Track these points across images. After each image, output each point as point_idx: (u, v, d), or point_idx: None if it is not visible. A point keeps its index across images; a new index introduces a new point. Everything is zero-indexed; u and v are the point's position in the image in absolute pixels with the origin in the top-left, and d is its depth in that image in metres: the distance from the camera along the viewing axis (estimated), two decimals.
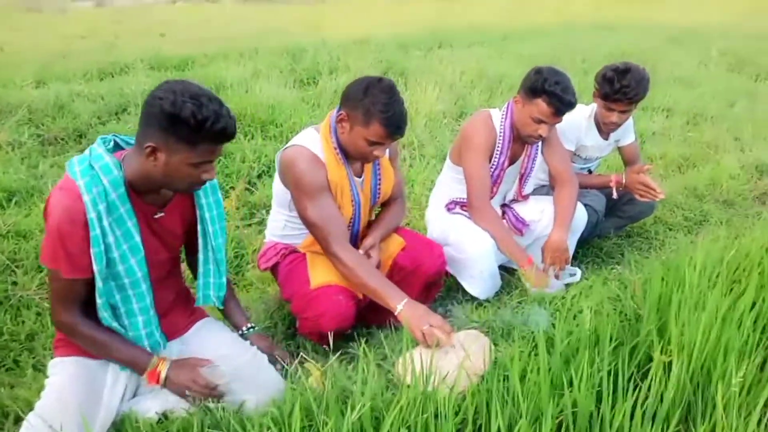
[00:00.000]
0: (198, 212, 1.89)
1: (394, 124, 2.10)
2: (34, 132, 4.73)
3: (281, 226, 2.45)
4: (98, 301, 1.71)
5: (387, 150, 2.28)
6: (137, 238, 1.72)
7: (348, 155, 2.26)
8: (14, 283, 2.77)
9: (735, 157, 4.64)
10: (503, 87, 6.44)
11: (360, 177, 2.37)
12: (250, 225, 3.46)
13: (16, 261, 2.93)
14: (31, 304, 2.64)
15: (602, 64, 8.01)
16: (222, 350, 1.96)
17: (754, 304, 2.30)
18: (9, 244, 3.02)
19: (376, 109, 2.07)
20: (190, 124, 1.54)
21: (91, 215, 1.60)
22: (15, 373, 2.30)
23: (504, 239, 2.64)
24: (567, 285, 2.87)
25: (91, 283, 1.69)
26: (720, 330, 2.05)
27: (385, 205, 2.56)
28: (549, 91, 2.45)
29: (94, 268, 1.65)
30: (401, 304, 2.07)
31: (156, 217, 1.80)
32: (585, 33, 10.94)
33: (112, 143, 1.75)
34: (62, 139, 4.78)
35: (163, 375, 1.76)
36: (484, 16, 13.38)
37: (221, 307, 2.09)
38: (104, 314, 1.73)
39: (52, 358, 1.86)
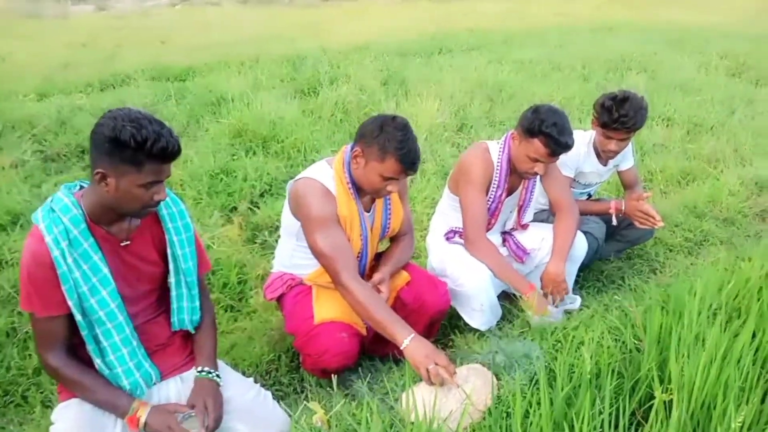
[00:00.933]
0: (166, 236, 1.93)
1: (409, 160, 2.16)
2: (36, 148, 4.75)
3: (289, 255, 2.48)
4: (82, 334, 1.77)
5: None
6: (105, 270, 1.77)
7: (359, 190, 2.31)
8: (20, 314, 2.79)
9: (735, 171, 4.65)
10: (503, 96, 6.45)
11: (368, 211, 2.41)
12: (253, 248, 3.47)
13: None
14: None
15: (602, 69, 8.08)
16: (225, 390, 1.98)
17: (753, 334, 2.32)
18: (13, 273, 3.04)
19: (391, 145, 2.13)
20: (130, 145, 1.60)
21: (55, 254, 1.68)
22: (24, 409, 2.33)
23: (502, 270, 2.66)
24: (567, 312, 2.91)
25: (70, 321, 1.76)
26: (720, 367, 2.07)
27: (394, 240, 2.60)
28: (546, 132, 2.46)
29: (69, 303, 1.72)
30: (408, 340, 2.08)
31: (123, 245, 1.84)
32: (584, 36, 10.94)
33: (77, 187, 1.83)
34: (65, 156, 4.80)
35: (142, 420, 1.78)
36: (482, 20, 13.36)
37: (193, 331, 2.08)
38: (91, 348, 1.79)
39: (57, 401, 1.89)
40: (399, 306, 2.46)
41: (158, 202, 1.76)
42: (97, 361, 1.81)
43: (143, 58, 7.42)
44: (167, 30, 10.47)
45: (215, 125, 5.13)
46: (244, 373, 2.41)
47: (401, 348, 2.09)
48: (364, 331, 2.36)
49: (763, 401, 2.09)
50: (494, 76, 7.05)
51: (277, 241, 3.58)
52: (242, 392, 2.03)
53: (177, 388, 1.98)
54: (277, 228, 3.71)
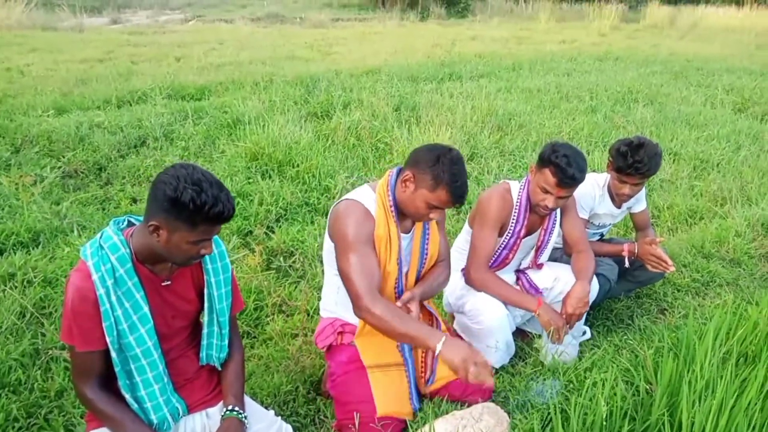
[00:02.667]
0: (205, 276, 1.99)
1: (459, 193, 2.22)
2: (55, 165, 4.83)
3: (335, 291, 2.46)
4: (115, 370, 1.83)
5: None
6: (145, 309, 1.84)
7: (399, 213, 2.35)
8: (43, 335, 2.85)
9: (741, 211, 4.71)
10: (513, 126, 6.54)
11: (407, 233, 2.44)
12: (269, 274, 3.53)
13: (43, 310, 3.02)
14: (59, 358, 2.71)
15: (609, 101, 8.18)
16: (249, 426, 2.01)
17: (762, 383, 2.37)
18: (35, 292, 3.10)
19: (445, 177, 2.19)
20: (189, 207, 1.67)
21: (100, 292, 1.74)
22: None
23: (509, 296, 2.74)
24: (579, 344, 2.97)
25: (107, 356, 1.82)
26: (729, 416, 2.13)
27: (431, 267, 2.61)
28: (555, 162, 2.56)
29: (107, 339, 1.78)
30: (440, 343, 2.05)
31: (164, 285, 1.91)
32: (591, 65, 11.07)
33: (125, 222, 1.91)
34: (83, 172, 4.89)
35: None
36: (490, 45, 13.53)
37: (220, 368, 2.13)
38: (121, 383, 1.85)
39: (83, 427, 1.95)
40: (444, 393, 2.47)
41: (203, 256, 1.83)
42: (127, 396, 1.87)
43: (159, 76, 7.54)
44: (181, 47, 10.61)
45: (232, 147, 5.21)
46: (262, 403, 2.47)
47: (436, 353, 2.06)
48: (411, 417, 2.38)
49: None
50: (504, 105, 7.14)
51: (291, 267, 3.68)
52: (265, 427, 2.07)
53: (203, 423, 2.04)
54: (292, 254, 3.79)
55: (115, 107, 6.34)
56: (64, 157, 4.98)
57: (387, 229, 2.32)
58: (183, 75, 7.87)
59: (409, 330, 2.12)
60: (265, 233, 4.02)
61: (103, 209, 4.34)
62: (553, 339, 2.67)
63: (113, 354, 1.80)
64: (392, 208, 2.33)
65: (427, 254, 2.52)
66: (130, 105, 6.46)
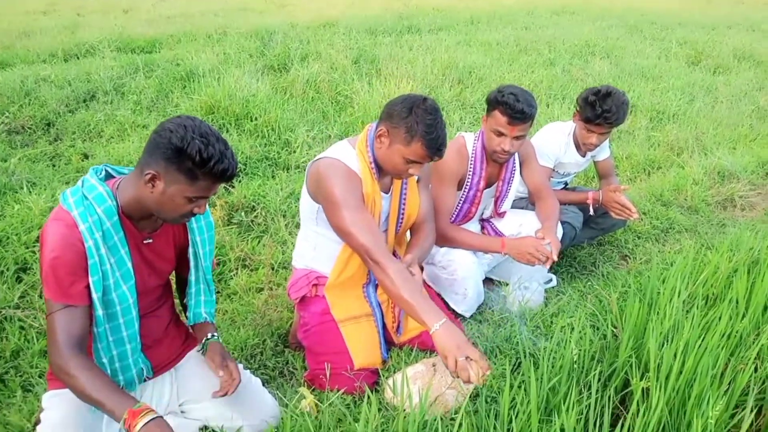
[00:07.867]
0: (190, 235, 1.92)
1: (436, 145, 2.08)
2: (0, 120, 4.60)
3: (311, 246, 2.39)
4: (96, 330, 1.72)
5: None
6: (129, 265, 1.74)
7: (380, 170, 2.25)
8: None
9: (697, 160, 4.80)
10: (473, 79, 6.49)
11: (387, 193, 2.35)
12: (230, 228, 3.45)
13: None
14: (13, 318, 2.60)
15: (567, 54, 8.16)
16: (215, 379, 1.96)
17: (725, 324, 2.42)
18: None
19: (419, 128, 2.05)
20: (194, 159, 1.58)
21: (89, 243, 1.62)
22: (3, 393, 2.28)
23: (473, 243, 2.72)
24: (545, 291, 3.00)
25: (85, 317, 1.67)
26: (695, 356, 2.17)
27: (414, 230, 2.54)
28: (502, 101, 2.51)
29: (93, 296, 1.66)
30: (438, 324, 1.90)
31: (146, 242, 1.82)
32: (548, 19, 11.04)
33: (103, 173, 1.78)
34: (30, 128, 4.68)
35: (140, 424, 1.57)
36: None
37: (212, 321, 2.08)
38: (101, 344, 1.75)
39: (45, 390, 1.85)
40: (417, 342, 2.45)
41: (194, 215, 1.73)
42: (109, 356, 1.78)
43: (106, 28, 7.22)
44: None
45: (186, 101, 5.04)
46: None
47: (431, 332, 1.91)
48: (381, 365, 2.37)
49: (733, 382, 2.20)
50: (464, 58, 7.07)
51: (253, 221, 3.60)
52: None
53: (171, 380, 2.00)
54: (254, 209, 3.70)
55: (62, 60, 6.07)
56: (9, 112, 4.75)
57: (372, 187, 2.23)
58: (132, 27, 7.57)
59: (413, 299, 1.99)
60: (225, 188, 3.92)
61: (54, 165, 4.16)
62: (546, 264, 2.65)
63: (99, 311, 1.68)
64: (372, 166, 2.22)
65: (404, 215, 2.43)
66: (78, 58, 6.19)
